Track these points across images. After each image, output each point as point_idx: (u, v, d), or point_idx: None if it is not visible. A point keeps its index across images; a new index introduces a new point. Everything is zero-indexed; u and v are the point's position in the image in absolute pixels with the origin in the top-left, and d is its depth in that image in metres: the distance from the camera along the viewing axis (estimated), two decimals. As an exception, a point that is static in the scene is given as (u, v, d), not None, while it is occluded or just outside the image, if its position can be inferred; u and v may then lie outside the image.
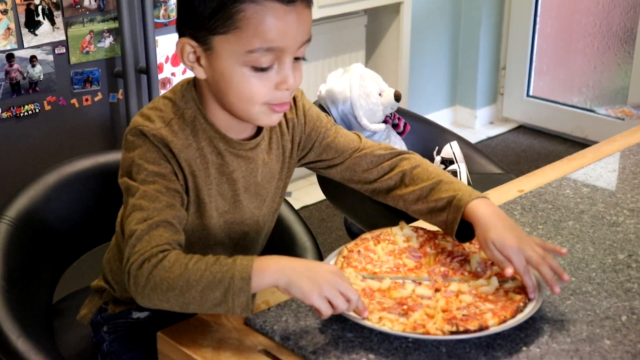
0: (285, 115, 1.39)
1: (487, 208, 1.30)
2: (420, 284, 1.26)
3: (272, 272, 1.13)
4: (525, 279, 1.22)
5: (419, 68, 4.18)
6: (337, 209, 2.31)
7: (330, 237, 3.25)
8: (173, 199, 1.23)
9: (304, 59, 1.25)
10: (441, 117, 4.42)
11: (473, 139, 4.32)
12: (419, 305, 1.19)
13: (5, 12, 2.15)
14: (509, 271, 1.22)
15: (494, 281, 1.25)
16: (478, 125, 4.51)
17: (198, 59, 1.23)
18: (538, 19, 4.38)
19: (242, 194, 1.34)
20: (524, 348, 1.15)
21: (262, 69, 1.20)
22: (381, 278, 1.27)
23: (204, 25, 1.19)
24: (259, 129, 1.35)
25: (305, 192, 3.65)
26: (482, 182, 2.16)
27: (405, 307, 1.19)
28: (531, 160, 4.06)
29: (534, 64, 4.47)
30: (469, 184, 2.12)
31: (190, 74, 1.29)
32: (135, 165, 1.23)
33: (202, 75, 1.25)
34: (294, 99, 1.41)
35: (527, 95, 4.52)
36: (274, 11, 1.17)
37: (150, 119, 1.25)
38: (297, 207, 3.50)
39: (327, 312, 1.13)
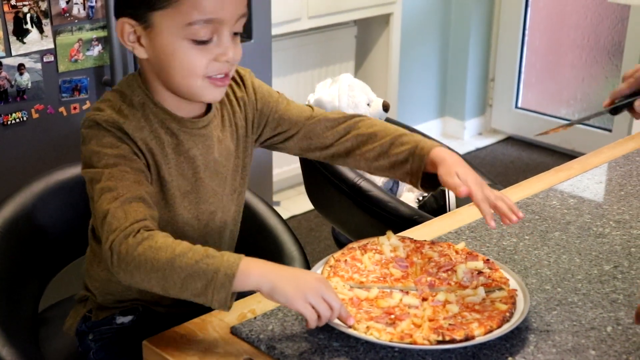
0: (235, 94, 1.42)
1: (451, 154, 1.35)
2: (407, 293, 1.26)
3: (256, 276, 1.14)
4: (482, 206, 1.26)
5: (409, 79, 4.19)
6: (325, 219, 2.31)
7: (319, 246, 3.24)
8: (139, 176, 1.25)
9: (242, 34, 1.29)
10: (430, 128, 4.44)
11: (462, 150, 4.33)
12: (407, 315, 1.19)
13: (-7, 19, 2.15)
14: (463, 190, 1.26)
15: (481, 291, 1.26)
16: (467, 136, 4.52)
17: (139, 39, 1.27)
18: (527, 31, 4.40)
19: (202, 172, 1.36)
20: (510, 358, 1.15)
21: (202, 42, 1.24)
22: (368, 287, 1.27)
23: (143, 2, 1.23)
24: (209, 107, 1.37)
25: (294, 201, 3.65)
26: (469, 192, 2.16)
27: (392, 316, 1.18)
28: (519, 171, 4.07)
29: (522, 76, 4.49)
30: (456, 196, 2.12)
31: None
32: (95, 154, 1.25)
33: (143, 54, 1.28)
34: (242, 78, 1.45)
35: (516, 106, 4.54)
36: None
37: (100, 109, 1.28)
38: (285, 216, 3.49)
39: (312, 317, 1.13)
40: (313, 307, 1.13)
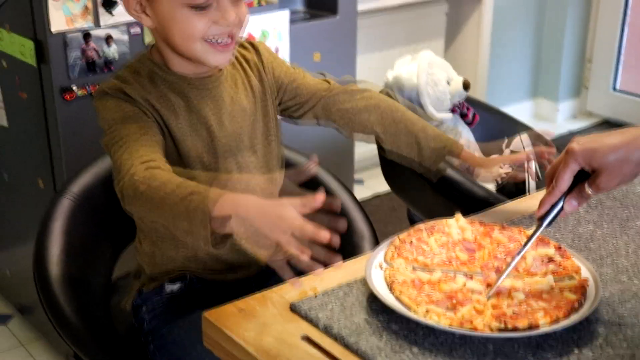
0: (245, 57, 1.47)
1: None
2: (471, 277, 1.23)
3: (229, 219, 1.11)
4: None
5: (500, 58, 4.08)
6: (399, 199, 2.29)
7: (399, 226, 3.20)
8: (143, 128, 1.31)
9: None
10: (521, 109, 4.32)
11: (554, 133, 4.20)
12: (469, 300, 1.15)
13: (83, -8, 2.19)
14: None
15: (550, 279, 1.21)
16: (560, 118, 4.38)
17: (144, 10, 1.33)
18: (629, 10, 4.21)
19: (217, 130, 1.39)
20: (576, 351, 1.10)
21: (200, 7, 1.28)
22: (431, 270, 1.24)
23: None
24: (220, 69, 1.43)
25: (378, 180, 3.60)
26: (552, 176, 2.09)
27: (454, 301, 1.15)
28: (614, 156, 3.91)
29: (622, 56, 4.31)
30: (539, 178, 2.05)
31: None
32: (104, 121, 1.33)
33: (149, 23, 1.35)
34: (254, 46, 1.49)
35: (613, 89, 4.36)
36: None
37: (107, 81, 1.38)
38: (368, 195, 3.47)
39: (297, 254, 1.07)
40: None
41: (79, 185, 1.62)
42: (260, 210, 1.09)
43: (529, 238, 1.22)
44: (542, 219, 1.20)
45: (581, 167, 1.16)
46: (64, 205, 1.58)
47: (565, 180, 1.17)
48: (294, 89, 1.52)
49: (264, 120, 1.47)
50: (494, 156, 1.50)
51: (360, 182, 3.57)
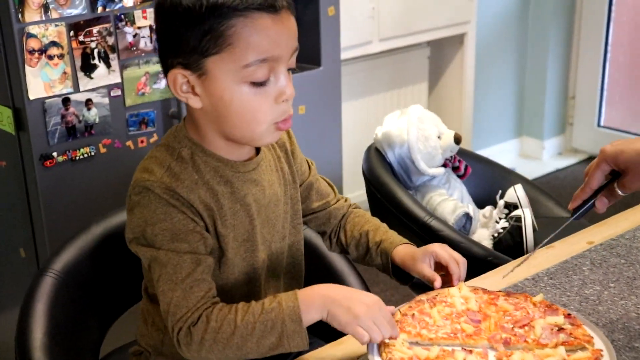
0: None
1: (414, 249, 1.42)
2: (471, 352, 1.17)
3: (317, 307, 1.16)
4: (451, 266, 1.34)
5: (484, 99, 4.07)
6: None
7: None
8: (196, 252, 1.20)
9: (294, 69, 1.24)
10: (507, 148, 4.30)
11: (540, 171, 4.18)
12: (472, 379, 1.10)
13: (61, 56, 2.14)
14: (437, 284, 1.32)
15: (562, 351, 1.15)
16: (546, 156, 4.36)
17: (192, 89, 1.20)
18: (609, 47, 4.22)
19: (256, 218, 1.31)
20: None
21: (260, 84, 1.18)
22: (428, 346, 1.18)
23: (196, 50, 1.17)
24: (257, 149, 1.33)
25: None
26: (549, 226, 2.04)
27: (457, 380, 1.09)
28: (603, 193, 3.89)
29: (605, 92, 4.31)
30: (534, 229, 2.01)
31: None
32: (149, 227, 1.20)
33: (197, 104, 1.21)
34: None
35: (598, 125, 4.36)
36: (263, 21, 1.16)
37: (149, 170, 1.23)
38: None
39: (362, 339, 1.14)
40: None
41: (62, 261, 1.54)
42: (343, 292, 1.18)
43: (560, 228, 1.32)
44: (574, 212, 1.28)
45: (612, 168, 1.23)
46: (47, 284, 1.50)
47: (595, 178, 1.26)
48: (308, 185, 1.45)
49: (292, 205, 1.39)
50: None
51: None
